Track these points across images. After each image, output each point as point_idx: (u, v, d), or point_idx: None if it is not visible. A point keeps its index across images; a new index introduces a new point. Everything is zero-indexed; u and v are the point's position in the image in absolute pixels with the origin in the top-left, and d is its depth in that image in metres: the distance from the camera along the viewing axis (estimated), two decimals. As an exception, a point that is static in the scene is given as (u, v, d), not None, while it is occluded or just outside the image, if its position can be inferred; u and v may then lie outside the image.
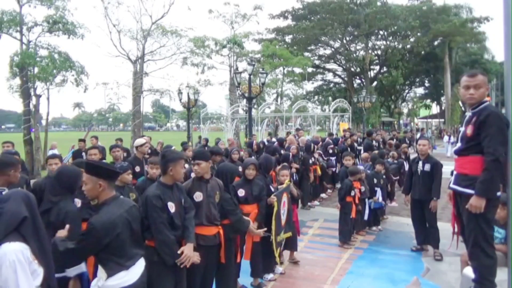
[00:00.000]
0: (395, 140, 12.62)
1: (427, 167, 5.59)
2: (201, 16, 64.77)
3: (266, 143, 10.70)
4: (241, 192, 4.29)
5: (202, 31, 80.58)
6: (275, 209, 4.54)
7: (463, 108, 30.99)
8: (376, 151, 9.32)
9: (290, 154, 7.47)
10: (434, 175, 5.52)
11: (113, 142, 8.04)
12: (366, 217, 6.73)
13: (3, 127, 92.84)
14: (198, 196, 3.58)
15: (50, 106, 36.27)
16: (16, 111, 70.79)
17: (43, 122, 21.55)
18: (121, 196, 2.81)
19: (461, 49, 37.40)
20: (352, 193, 6.16)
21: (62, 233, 2.70)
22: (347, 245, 6.07)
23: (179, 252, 3.11)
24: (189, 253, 3.15)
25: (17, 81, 15.91)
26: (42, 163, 16.43)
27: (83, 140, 10.53)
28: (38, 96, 16.52)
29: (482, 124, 3.00)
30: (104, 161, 8.45)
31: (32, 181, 4.90)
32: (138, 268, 2.63)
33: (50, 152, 12.11)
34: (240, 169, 4.67)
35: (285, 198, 4.82)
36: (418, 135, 20.18)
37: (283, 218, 4.74)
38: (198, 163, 3.61)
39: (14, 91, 16.25)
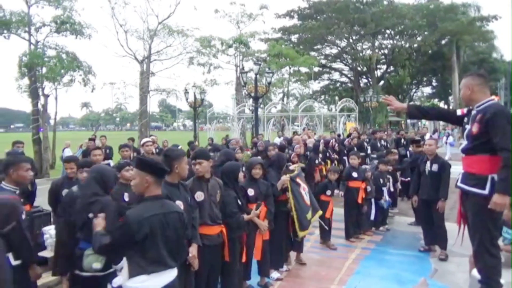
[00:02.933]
0: (402, 140, 12.53)
1: (435, 167, 5.56)
2: (207, 16, 64.63)
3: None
4: (250, 192, 4.33)
5: (208, 31, 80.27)
6: (290, 195, 4.72)
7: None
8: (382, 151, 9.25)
9: (294, 153, 7.45)
10: (441, 175, 5.49)
11: (123, 142, 8.13)
12: (372, 217, 6.70)
13: (12, 126, 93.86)
14: (200, 196, 3.59)
15: (58, 106, 36.66)
16: (25, 111, 71.42)
17: (51, 121, 21.74)
18: (167, 200, 2.65)
19: (469, 48, 37.00)
20: (328, 193, 6.07)
21: (98, 221, 2.68)
22: (325, 244, 6.03)
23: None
24: (196, 254, 3.18)
25: (26, 81, 16.08)
26: (50, 162, 16.60)
27: (93, 139, 10.69)
28: (46, 96, 16.66)
29: (489, 123, 3.00)
30: (110, 161, 8.55)
31: (37, 180, 4.95)
32: (165, 278, 2.46)
33: (65, 152, 12.21)
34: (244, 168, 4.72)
35: (300, 181, 4.95)
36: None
37: (306, 198, 4.91)
38: (199, 162, 3.61)
39: (23, 91, 16.43)
